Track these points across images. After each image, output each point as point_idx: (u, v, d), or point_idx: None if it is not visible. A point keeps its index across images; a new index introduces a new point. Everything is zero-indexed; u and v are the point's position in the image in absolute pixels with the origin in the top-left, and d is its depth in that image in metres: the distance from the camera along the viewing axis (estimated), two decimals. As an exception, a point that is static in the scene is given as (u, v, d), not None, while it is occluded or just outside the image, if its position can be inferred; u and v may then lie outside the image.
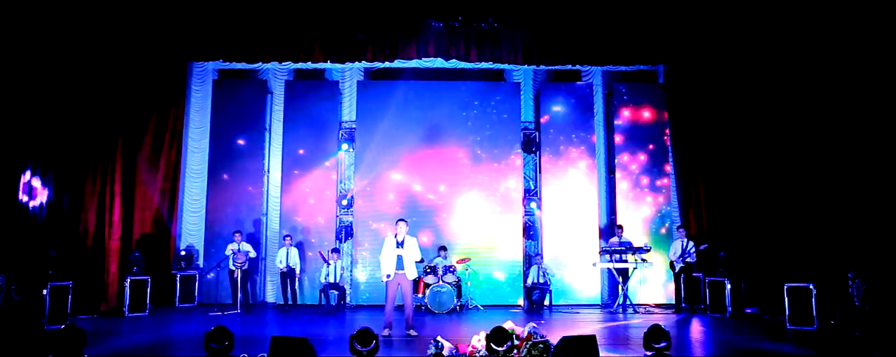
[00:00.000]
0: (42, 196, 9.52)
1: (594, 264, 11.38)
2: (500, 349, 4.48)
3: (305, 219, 11.79)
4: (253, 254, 10.87)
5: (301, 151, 11.93)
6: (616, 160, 12.07)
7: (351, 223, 11.86)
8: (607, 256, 10.90)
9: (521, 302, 11.42)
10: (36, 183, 9.39)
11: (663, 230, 11.83)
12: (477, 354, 6.06)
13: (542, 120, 12.16)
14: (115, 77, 10.39)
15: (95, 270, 10.03)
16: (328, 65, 11.79)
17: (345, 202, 11.87)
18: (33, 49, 9.39)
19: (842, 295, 8.53)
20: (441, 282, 10.52)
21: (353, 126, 12.10)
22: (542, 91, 12.30)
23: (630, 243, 11.00)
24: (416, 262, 8.51)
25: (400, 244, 8.21)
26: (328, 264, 10.62)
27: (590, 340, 5.33)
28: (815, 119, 9.90)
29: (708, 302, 10.22)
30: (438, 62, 11.57)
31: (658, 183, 12.02)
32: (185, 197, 11.86)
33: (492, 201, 11.84)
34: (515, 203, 11.89)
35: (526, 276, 11.34)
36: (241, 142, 11.98)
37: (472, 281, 11.10)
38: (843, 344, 3.84)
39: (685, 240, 10.84)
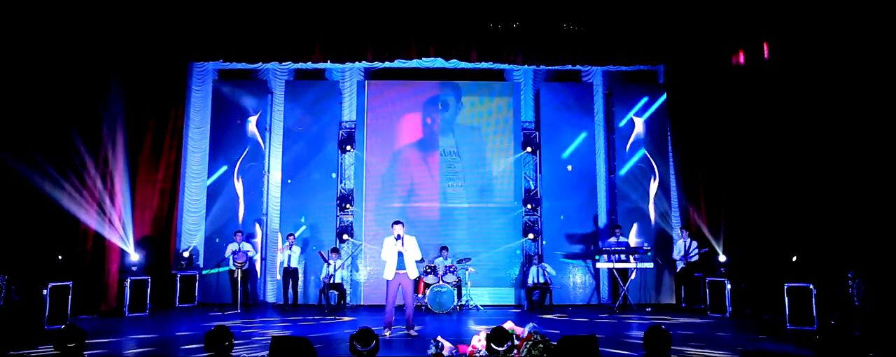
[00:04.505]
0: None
1: (594, 264, 11.39)
2: (500, 349, 4.46)
3: (305, 219, 11.78)
4: (253, 253, 10.87)
5: (301, 151, 11.92)
6: (616, 160, 12.07)
7: (351, 223, 11.85)
8: (607, 256, 10.91)
9: (521, 302, 11.42)
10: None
11: (663, 230, 11.82)
12: (477, 354, 6.06)
13: (542, 120, 12.16)
14: (115, 77, 10.38)
15: (95, 270, 10.03)
16: (328, 65, 11.78)
17: (344, 203, 11.85)
18: (35, 50, 9.38)
19: (842, 295, 8.53)
20: (441, 282, 10.52)
21: (353, 126, 12.11)
22: (542, 91, 12.29)
23: (629, 243, 10.99)
24: (417, 261, 8.50)
25: (400, 244, 8.21)
26: (328, 264, 10.61)
27: (590, 340, 5.32)
28: (816, 119, 9.89)
29: (708, 302, 10.22)
30: (438, 62, 11.57)
31: (658, 183, 12.01)
32: (185, 197, 11.85)
33: (493, 201, 11.88)
34: (516, 202, 11.91)
35: (526, 276, 11.33)
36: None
37: (472, 281, 11.11)
38: (843, 344, 3.82)
39: (688, 240, 10.84)
